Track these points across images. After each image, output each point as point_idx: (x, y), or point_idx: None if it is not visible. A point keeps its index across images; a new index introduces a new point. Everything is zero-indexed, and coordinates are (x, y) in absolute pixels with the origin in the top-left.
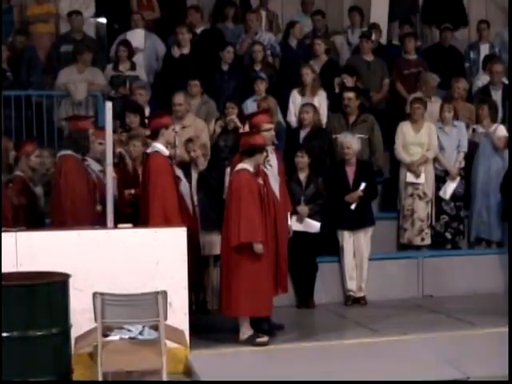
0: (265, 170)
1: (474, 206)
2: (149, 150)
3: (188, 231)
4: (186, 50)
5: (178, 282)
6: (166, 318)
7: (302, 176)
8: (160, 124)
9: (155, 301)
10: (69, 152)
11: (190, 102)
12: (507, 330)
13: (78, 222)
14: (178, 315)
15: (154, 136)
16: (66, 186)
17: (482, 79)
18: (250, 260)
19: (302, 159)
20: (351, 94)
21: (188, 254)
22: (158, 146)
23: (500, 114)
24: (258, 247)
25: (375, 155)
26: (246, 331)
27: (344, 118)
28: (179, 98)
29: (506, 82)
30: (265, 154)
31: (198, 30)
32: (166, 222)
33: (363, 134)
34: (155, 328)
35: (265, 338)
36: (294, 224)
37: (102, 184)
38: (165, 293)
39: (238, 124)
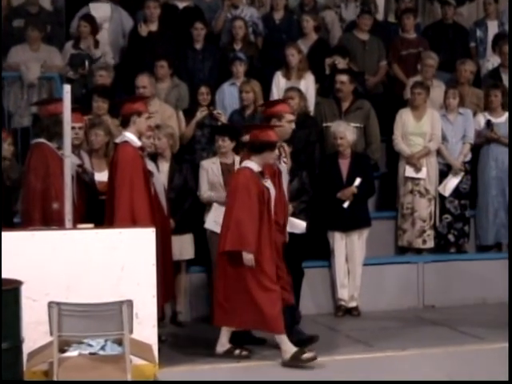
0: (280, 167)
1: (485, 205)
2: (117, 140)
3: (161, 233)
4: (154, 27)
5: (145, 290)
6: (131, 331)
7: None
8: (132, 110)
9: (119, 311)
10: (41, 140)
11: (157, 85)
12: None
13: (45, 222)
14: (146, 327)
15: (125, 123)
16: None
17: (492, 61)
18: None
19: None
20: (344, 77)
21: (160, 258)
22: (128, 135)
23: None
24: (247, 258)
25: (371, 147)
26: (225, 343)
27: (336, 104)
28: (143, 81)
29: None
30: (276, 152)
31: (181, 6)
32: (134, 222)
33: (358, 122)
34: (119, 342)
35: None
36: None
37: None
38: (130, 302)
39: (223, 119)
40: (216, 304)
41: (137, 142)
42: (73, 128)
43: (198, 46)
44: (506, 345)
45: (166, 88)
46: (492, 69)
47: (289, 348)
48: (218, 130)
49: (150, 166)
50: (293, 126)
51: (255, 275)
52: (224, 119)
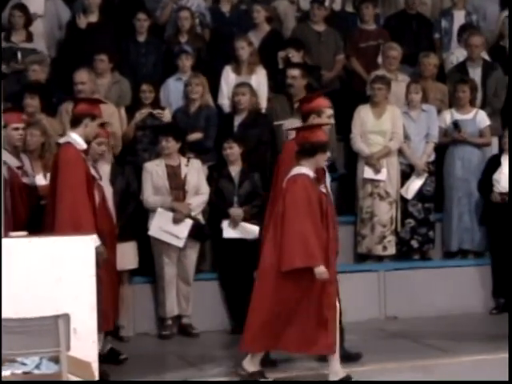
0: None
1: (450, 208)
2: (61, 140)
3: (110, 242)
4: (93, 18)
5: (84, 303)
6: (68, 348)
7: (234, 171)
8: (87, 112)
9: (55, 326)
10: None
11: (97, 80)
12: (487, 357)
13: None
14: (84, 344)
15: (75, 124)
16: None
17: (457, 54)
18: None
19: (231, 150)
20: (296, 72)
21: (110, 269)
22: (73, 137)
23: (479, 97)
24: (320, 271)
25: None
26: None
27: (288, 100)
28: (81, 76)
29: (486, 57)
30: (328, 153)
31: None
32: (77, 229)
33: None
34: (55, 360)
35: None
36: (226, 230)
37: (18, 183)
38: (67, 316)
39: (165, 119)
40: (253, 327)
41: (82, 145)
42: (16, 129)
43: (141, 38)
44: (472, 358)
45: (106, 84)
46: (458, 63)
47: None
48: (161, 129)
49: (101, 170)
50: (332, 121)
51: (315, 291)
52: (168, 117)
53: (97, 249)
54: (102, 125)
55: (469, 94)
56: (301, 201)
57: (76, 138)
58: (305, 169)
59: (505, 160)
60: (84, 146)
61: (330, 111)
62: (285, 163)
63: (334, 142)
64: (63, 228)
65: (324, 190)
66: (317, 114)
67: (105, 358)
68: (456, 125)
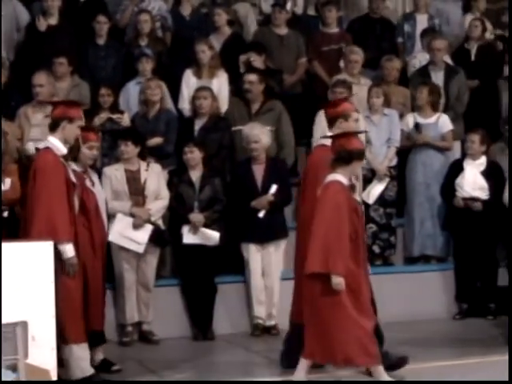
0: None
1: (411, 213)
2: (40, 145)
3: (100, 250)
4: (53, 21)
5: (42, 310)
6: (26, 356)
7: (195, 176)
8: (63, 114)
9: (13, 334)
10: None
11: (56, 84)
12: (452, 363)
13: None
14: (43, 351)
15: (53, 128)
16: None
17: (420, 57)
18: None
19: (192, 155)
20: (253, 77)
21: (97, 279)
22: (52, 141)
23: (442, 101)
24: (336, 280)
25: (284, 150)
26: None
27: (246, 105)
28: (40, 78)
29: (449, 61)
30: (364, 161)
31: None
32: (52, 237)
33: (269, 125)
34: (13, 368)
35: None
36: (186, 236)
37: None
38: (25, 324)
39: (124, 123)
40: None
41: (61, 150)
42: None
43: (101, 41)
44: (437, 364)
45: (65, 87)
46: (420, 66)
47: None
48: (120, 134)
49: (94, 176)
50: (359, 125)
51: (344, 302)
52: (127, 122)
53: (69, 260)
54: (93, 129)
55: (426, 96)
56: (329, 207)
57: (55, 143)
58: (339, 176)
59: (468, 165)
60: (64, 150)
61: (356, 115)
62: (313, 168)
63: (290, 147)
64: (39, 235)
65: (359, 199)
66: (344, 118)
67: (97, 368)
68: (417, 127)
